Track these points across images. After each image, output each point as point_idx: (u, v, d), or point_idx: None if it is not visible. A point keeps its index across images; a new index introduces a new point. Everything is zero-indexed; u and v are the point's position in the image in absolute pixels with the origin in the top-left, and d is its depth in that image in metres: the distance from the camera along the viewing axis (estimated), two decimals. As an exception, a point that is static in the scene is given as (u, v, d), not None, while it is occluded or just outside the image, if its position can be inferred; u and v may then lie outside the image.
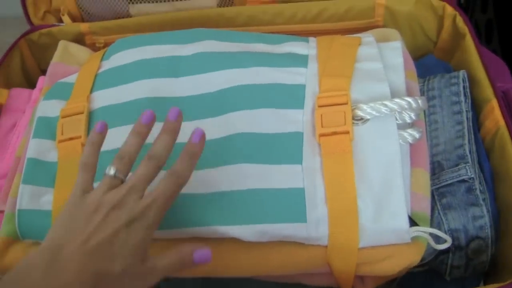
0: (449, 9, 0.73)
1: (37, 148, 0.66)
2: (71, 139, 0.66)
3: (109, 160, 0.56)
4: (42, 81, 0.80)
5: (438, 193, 0.61)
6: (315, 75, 0.64)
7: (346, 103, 0.59)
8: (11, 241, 0.63)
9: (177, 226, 0.58)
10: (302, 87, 0.63)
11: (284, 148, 0.59)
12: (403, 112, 0.59)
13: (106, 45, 0.82)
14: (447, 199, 0.60)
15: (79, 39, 0.84)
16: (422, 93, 0.68)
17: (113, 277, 0.47)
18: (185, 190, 0.56)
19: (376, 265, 0.56)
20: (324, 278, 0.60)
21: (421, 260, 0.58)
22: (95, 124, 0.56)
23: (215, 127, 0.62)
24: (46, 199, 0.63)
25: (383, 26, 0.77)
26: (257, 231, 0.56)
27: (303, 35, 0.73)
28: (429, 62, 0.75)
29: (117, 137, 0.60)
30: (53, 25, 0.85)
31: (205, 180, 0.59)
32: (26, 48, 0.86)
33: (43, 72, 0.81)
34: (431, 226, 0.59)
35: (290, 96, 0.62)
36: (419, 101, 0.59)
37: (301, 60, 0.66)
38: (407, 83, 0.64)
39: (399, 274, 0.57)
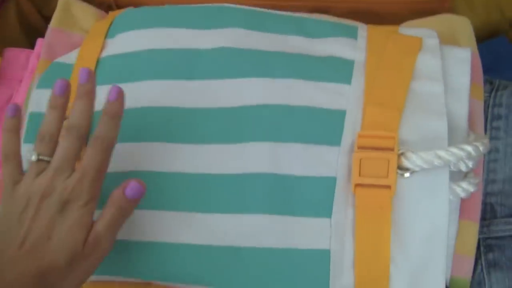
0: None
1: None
2: None
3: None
4: (40, 43, 0.70)
5: (485, 245, 0.53)
6: (360, 96, 0.53)
7: (392, 149, 0.49)
8: None
9: (182, 282, 0.51)
10: (341, 115, 0.52)
11: (313, 196, 0.50)
12: (460, 161, 0.48)
13: (116, 2, 0.71)
14: (495, 254, 0.52)
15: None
16: (486, 107, 0.56)
17: (58, 270, 0.45)
18: (191, 240, 0.50)
19: None
20: None
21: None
22: (7, 107, 0.52)
23: (230, 159, 0.52)
24: None
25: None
26: None
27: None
28: (500, 48, 0.66)
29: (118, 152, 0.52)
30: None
31: (218, 228, 0.51)
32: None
33: (46, 20, 0.70)
34: (472, 284, 0.52)
35: (327, 128, 0.52)
36: (481, 148, 0.49)
37: (345, 71, 0.54)
38: (470, 104, 0.53)
39: None
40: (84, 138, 0.49)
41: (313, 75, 0.54)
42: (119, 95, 0.49)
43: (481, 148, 0.48)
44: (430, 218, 0.48)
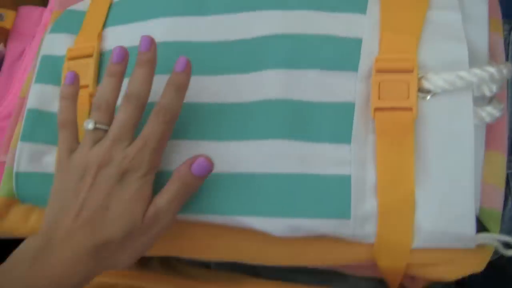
0: None
1: (40, 96, 0.57)
2: None
3: None
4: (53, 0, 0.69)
5: None
6: (375, 25, 0.51)
7: (411, 71, 0.47)
8: (11, 202, 0.56)
9: (193, 212, 0.49)
10: (358, 42, 0.50)
11: (331, 122, 0.48)
12: (483, 84, 0.47)
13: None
14: None
15: None
16: (506, 45, 0.54)
17: (115, 243, 0.44)
18: None
19: (430, 268, 0.47)
20: (368, 271, 0.52)
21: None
22: (65, 74, 0.51)
23: (246, 87, 0.51)
24: (49, 159, 0.55)
25: None
26: (289, 225, 0.47)
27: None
28: None
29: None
30: None
31: (230, 156, 0.49)
32: None
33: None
34: (503, 219, 0.49)
35: (343, 54, 0.50)
36: (504, 71, 0.47)
37: (359, 1, 0.53)
38: (490, 38, 0.51)
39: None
40: (143, 107, 0.47)
41: (328, 6, 0.52)
42: (187, 66, 0.48)
43: (504, 71, 0.47)
44: (455, 140, 0.46)
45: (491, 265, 0.52)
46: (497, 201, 0.48)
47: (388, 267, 0.48)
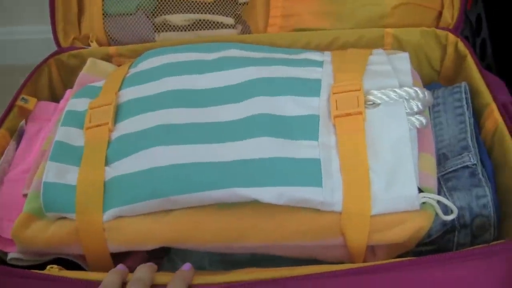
0: (452, 37, 0.81)
1: (65, 134, 0.70)
2: (98, 125, 0.69)
3: (134, 142, 0.64)
4: (69, 94, 0.84)
5: (444, 179, 0.65)
6: (330, 72, 0.70)
7: (359, 89, 0.65)
8: (33, 218, 0.65)
9: (198, 190, 0.60)
10: (318, 81, 0.69)
11: (302, 128, 0.64)
12: (411, 101, 0.64)
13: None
14: (452, 182, 0.64)
15: (106, 61, 0.89)
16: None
17: None
18: (206, 159, 0.61)
19: (387, 232, 0.58)
20: (338, 251, 0.62)
21: (429, 237, 0.62)
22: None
23: (238, 110, 0.67)
24: (71, 176, 0.65)
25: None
26: (276, 192, 0.58)
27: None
28: (435, 88, 0.81)
29: (142, 122, 0.67)
30: (82, 48, 0.92)
31: (227, 151, 0.63)
32: (55, 68, 0.91)
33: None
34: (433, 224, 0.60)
35: (308, 87, 0.68)
36: (426, 93, 0.65)
37: (317, 63, 0.72)
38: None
39: (409, 245, 0.60)
40: None
41: (294, 64, 0.72)
42: (191, 267, 0.58)
43: (426, 93, 0.65)
44: (395, 133, 0.62)
45: (438, 248, 0.63)
46: (431, 183, 0.61)
47: (353, 237, 0.59)
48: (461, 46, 0.79)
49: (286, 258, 0.64)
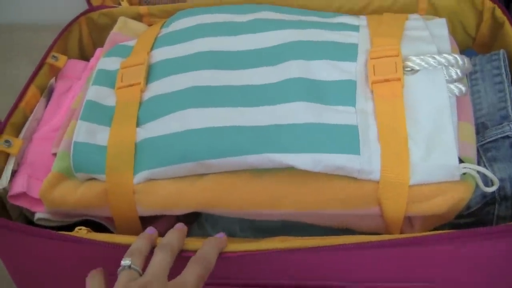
0: (488, 3, 0.78)
1: (96, 93, 0.70)
2: (130, 85, 0.69)
3: (166, 103, 0.63)
4: (99, 52, 0.84)
5: (483, 149, 0.64)
6: (367, 37, 0.69)
7: (397, 55, 0.64)
8: (62, 177, 0.65)
9: (232, 155, 0.59)
10: (355, 46, 0.68)
11: (339, 93, 0.63)
12: (450, 68, 0.63)
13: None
14: (492, 153, 0.63)
15: (137, 21, 0.88)
16: None
17: None
18: (240, 122, 0.60)
19: (426, 203, 0.57)
20: (372, 221, 0.61)
21: (468, 209, 0.61)
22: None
23: (272, 73, 0.66)
24: (102, 136, 0.65)
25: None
26: (312, 159, 0.57)
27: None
28: (470, 55, 0.79)
29: (175, 83, 0.66)
30: (113, 6, 0.91)
31: (262, 116, 0.62)
32: (85, 27, 0.90)
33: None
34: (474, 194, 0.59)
35: (344, 52, 0.67)
36: (465, 60, 0.64)
37: (353, 28, 0.71)
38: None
39: (447, 216, 0.59)
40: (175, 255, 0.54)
41: (330, 28, 0.71)
42: (225, 236, 0.57)
43: (465, 60, 0.64)
44: (435, 100, 0.61)
45: (477, 220, 0.63)
46: (471, 153, 0.60)
47: (391, 207, 0.58)
48: (499, 12, 0.77)
49: (317, 227, 0.64)
